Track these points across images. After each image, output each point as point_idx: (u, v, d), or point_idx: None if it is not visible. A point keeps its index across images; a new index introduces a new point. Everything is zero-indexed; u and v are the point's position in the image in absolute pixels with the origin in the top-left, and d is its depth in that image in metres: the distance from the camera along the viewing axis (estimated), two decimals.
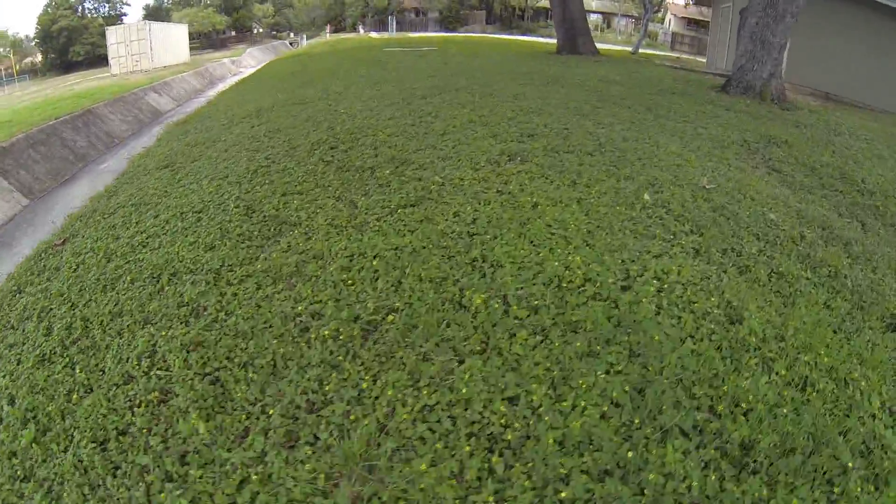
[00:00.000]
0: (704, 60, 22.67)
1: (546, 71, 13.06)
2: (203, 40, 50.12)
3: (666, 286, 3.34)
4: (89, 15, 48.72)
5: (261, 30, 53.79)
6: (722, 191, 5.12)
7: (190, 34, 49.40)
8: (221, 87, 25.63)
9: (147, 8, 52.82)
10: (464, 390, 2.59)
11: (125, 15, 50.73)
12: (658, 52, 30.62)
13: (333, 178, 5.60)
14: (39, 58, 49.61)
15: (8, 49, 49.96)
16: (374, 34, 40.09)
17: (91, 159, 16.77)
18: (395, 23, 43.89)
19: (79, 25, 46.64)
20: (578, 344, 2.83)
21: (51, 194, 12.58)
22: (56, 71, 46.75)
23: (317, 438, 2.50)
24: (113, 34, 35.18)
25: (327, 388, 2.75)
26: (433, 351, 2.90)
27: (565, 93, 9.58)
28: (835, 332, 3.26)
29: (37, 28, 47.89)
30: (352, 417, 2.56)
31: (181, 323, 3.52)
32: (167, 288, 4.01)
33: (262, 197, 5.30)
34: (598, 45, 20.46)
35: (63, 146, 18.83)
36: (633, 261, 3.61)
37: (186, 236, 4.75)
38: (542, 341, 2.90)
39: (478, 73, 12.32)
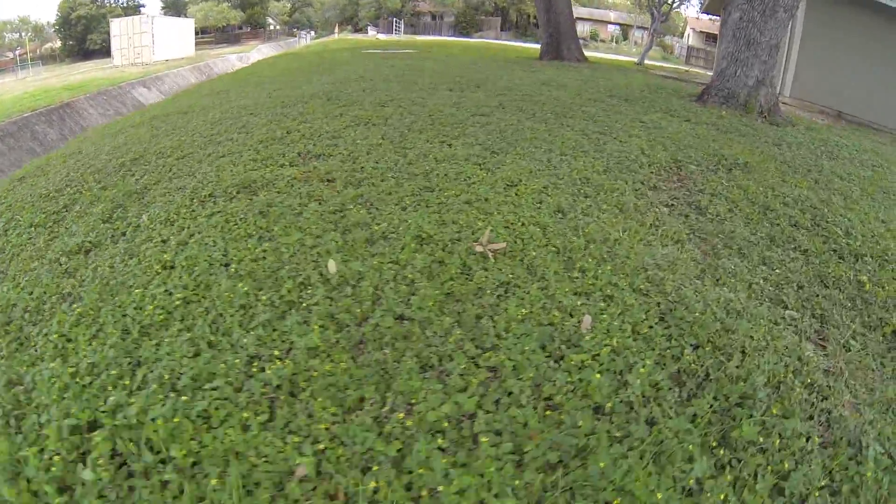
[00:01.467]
0: (712, 73, 19.90)
1: (489, 75, 10.56)
2: (217, 35, 48.51)
3: None
4: (108, 4, 47.39)
5: (277, 27, 51.88)
6: (524, 254, 2.59)
7: (204, 29, 48.12)
8: None
9: (165, 1, 51.37)
10: None
11: (143, 6, 49.21)
12: (668, 65, 27.67)
13: (54, 216, 4.27)
14: (59, 44, 48.47)
15: (30, 34, 49.08)
16: (381, 36, 37.77)
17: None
18: (402, 25, 41.54)
19: (97, 14, 45.22)
20: None
21: None
22: (74, 58, 45.55)
23: None
24: (116, 26, 34.26)
25: None
26: None
27: (468, 98, 7.11)
28: None
29: (57, 15, 46.73)
30: None
31: None
32: None
33: None
34: (610, 57, 18.05)
35: (33, 139, 17.78)
36: None
37: None
38: None
39: (403, 77, 10.01)
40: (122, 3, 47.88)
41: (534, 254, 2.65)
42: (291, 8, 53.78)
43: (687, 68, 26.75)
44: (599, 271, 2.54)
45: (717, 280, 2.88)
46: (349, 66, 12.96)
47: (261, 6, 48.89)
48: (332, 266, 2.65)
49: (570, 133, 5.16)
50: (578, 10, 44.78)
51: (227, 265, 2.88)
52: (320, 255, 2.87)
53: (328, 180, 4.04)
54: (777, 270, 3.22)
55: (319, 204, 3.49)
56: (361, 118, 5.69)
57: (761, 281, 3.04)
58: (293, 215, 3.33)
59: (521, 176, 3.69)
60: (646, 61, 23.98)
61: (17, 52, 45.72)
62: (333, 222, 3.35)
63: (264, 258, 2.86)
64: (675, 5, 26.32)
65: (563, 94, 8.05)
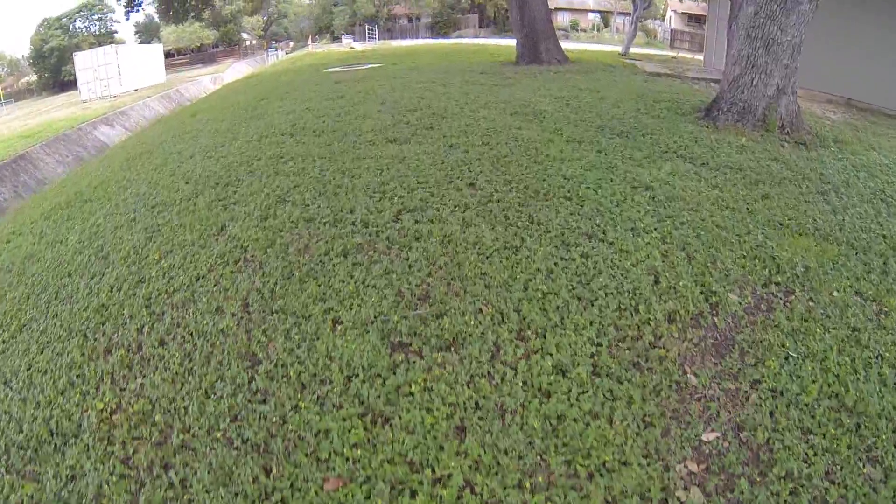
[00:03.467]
0: (702, 58, 17.94)
1: (449, 104, 8.58)
2: (192, 56, 46.27)
3: None
4: (80, 34, 45.15)
5: (253, 42, 49.53)
6: None
7: (179, 50, 45.90)
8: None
9: (137, 25, 49.10)
10: None
11: (115, 32, 46.75)
12: (653, 52, 25.52)
13: None
14: (35, 78, 46.35)
15: (6, 69, 46.96)
16: (356, 45, 35.20)
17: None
18: (377, 31, 39.20)
19: (70, 45, 43.07)
20: None
21: None
22: (50, 91, 43.58)
23: None
24: (81, 59, 32.01)
25: None
26: None
27: (407, 164, 5.17)
28: None
29: (30, 48, 44.59)
30: None
31: None
32: None
33: None
34: (593, 47, 16.00)
35: None
36: None
37: None
38: None
39: (338, 125, 8.15)
40: (95, 32, 45.64)
41: None
42: (266, 21, 51.43)
43: (673, 54, 24.63)
44: None
45: None
46: (291, 97, 10.76)
47: (234, 23, 46.59)
48: None
49: (539, 248, 3.24)
50: (557, 0, 42.49)
51: None
52: None
53: (136, 438, 2.24)
54: None
55: None
56: (239, 244, 3.73)
57: None
58: None
59: (404, 479, 1.79)
60: (630, 49, 21.94)
61: None
62: None
63: None
64: None
65: (538, 134, 6.11)
